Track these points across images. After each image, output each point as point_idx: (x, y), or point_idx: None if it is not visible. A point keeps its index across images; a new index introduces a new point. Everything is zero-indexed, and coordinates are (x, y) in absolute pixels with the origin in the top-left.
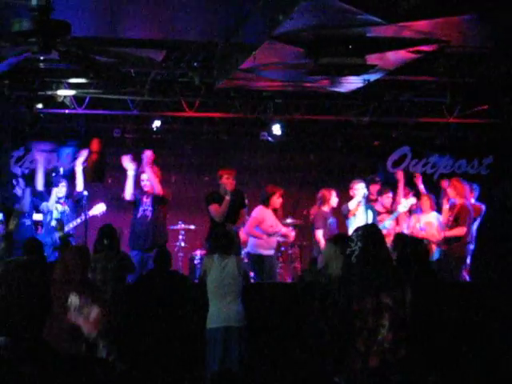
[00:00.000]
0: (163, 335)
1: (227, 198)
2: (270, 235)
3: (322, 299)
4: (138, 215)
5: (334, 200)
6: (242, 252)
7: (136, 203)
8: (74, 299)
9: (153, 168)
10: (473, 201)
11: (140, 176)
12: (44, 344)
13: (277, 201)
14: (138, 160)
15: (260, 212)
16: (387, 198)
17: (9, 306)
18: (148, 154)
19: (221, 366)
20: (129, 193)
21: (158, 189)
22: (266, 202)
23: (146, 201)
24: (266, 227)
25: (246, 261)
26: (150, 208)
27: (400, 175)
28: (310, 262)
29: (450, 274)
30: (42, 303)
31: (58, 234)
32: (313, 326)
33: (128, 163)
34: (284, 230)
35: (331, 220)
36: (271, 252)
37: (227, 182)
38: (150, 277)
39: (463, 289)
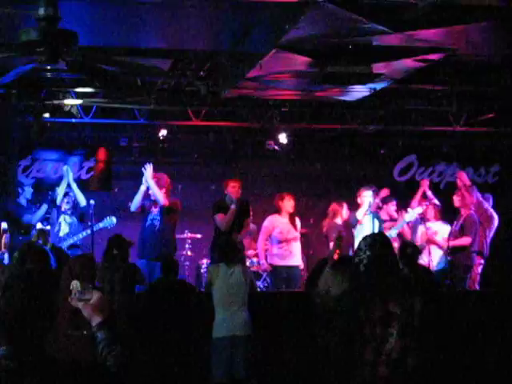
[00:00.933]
0: (170, 344)
1: (233, 207)
2: (281, 242)
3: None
4: (147, 224)
5: (345, 212)
6: (249, 261)
7: (145, 212)
8: (75, 284)
9: (160, 179)
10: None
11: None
12: (45, 355)
13: (288, 204)
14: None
15: (270, 220)
16: (392, 206)
17: (12, 314)
18: (148, 168)
19: (226, 375)
20: (135, 205)
21: (162, 200)
22: (278, 209)
23: (155, 210)
24: (276, 234)
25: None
26: (158, 217)
27: (424, 183)
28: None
29: (456, 284)
30: (45, 313)
31: (48, 247)
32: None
33: (150, 175)
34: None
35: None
36: (289, 262)
37: (233, 191)
38: (157, 286)
39: (469, 298)
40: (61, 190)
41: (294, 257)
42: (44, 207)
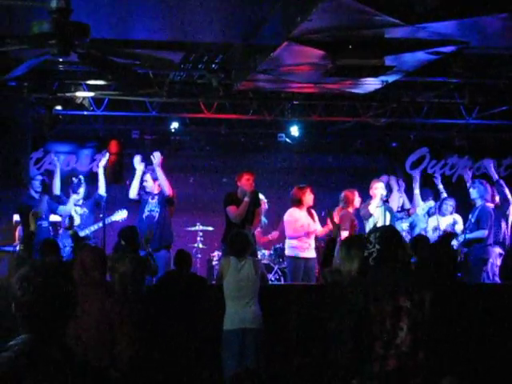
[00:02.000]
0: (181, 336)
1: (246, 199)
2: (302, 235)
3: (341, 301)
4: (144, 215)
5: (357, 200)
6: (261, 254)
7: (141, 203)
8: None
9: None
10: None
11: (143, 176)
12: (64, 346)
13: (309, 198)
14: (148, 160)
15: (292, 213)
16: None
17: (34, 306)
18: (158, 155)
19: (237, 367)
20: (134, 192)
21: (169, 190)
22: (298, 203)
23: (152, 201)
24: (297, 227)
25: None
26: (156, 209)
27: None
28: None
29: (471, 276)
30: (67, 305)
31: (69, 232)
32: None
33: (138, 163)
34: (319, 229)
35: (356, 221)
36: (308, 254)
37: (247, 183)
38: (169, 278)
39: (484, 291)
40: (57, 180)
41: (312, 249)
42: (45, 199)
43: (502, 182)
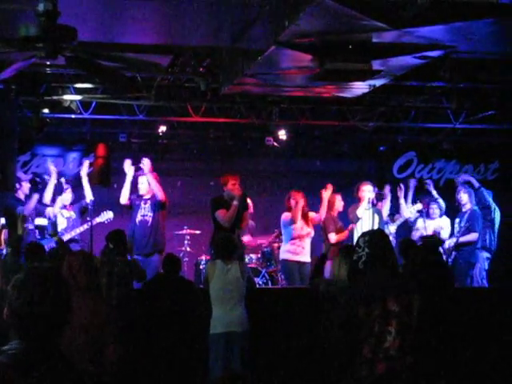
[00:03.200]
0: (168, 340)
1: (235, 203)
2: (294, 238)
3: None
4: (137, 220)
5: (338, 204)
6: (248, 258)
7: (134, 208)
8: None
9: (153, 173)
10: None
11: (137, 180)
12: (59, 354)
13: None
14: (135, 164)
15: (288, 216)
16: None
17: (31, 313)
18: (146, 162)
19: (223, 371)
20: (125, 197)
21: (161, 195)
22: (287, 207)
23: (145, 206)
24: (290, 230)
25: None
26: (150, 213)
27: (412, 183)
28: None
29: (459, 280)
30: (63, 311)
31: (53, 239)
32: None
33: (129, 167)
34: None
35: (340, 224)
36: (301, 258)
37: (234, 187)
38: (157, 281)
39: (473, 295)
40: (49, 190)
41: (307, 253)
42: (35, 197)
43: (483, 189)
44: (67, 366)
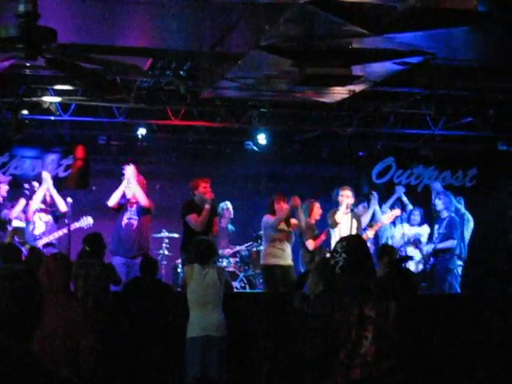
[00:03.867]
0: (145, 343)
1: (207, 206)
2: (274, 240)
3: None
4: (123, 223)
5: (316, 211)
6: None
7: (120, 211)
8: None
9: (138, 177)
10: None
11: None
12: (30, 355)
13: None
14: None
15: (268, 219)
16: (362, 209)
17: (2, 314)
18: (132, 167)
19: (200, 374)
20: (114, 201)
21: (144, 201)
22: (271, 210)
23: (131, 209)
24: (268, 233)
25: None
26: (135, 217)
27: (400, 190)
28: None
29: (437, 286)
30: (34, 313)
31: (25, 247)
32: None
33: (131, 174)
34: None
35: (317, 231)
36: (282, 261)
37: (205, 190)
38: (133, 285)
39: (449, 301)
40: (39, 195)
41: (287, 256)
42: (22, 202)
43: (452, 196)
44: (37, 369)
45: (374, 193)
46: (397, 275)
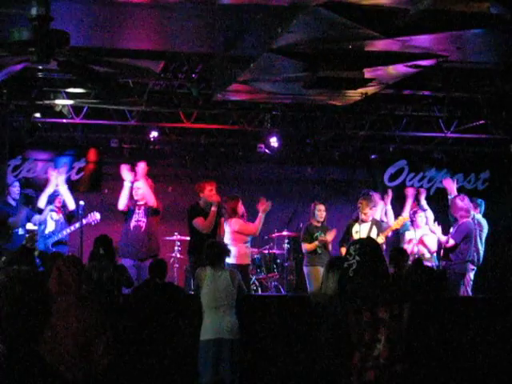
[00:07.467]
0: (158, 346)
1: (213, 209)
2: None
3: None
4: (132, 225)
5: (317, 213)
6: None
7: (129, 213)
8: None
9: (147, 180)
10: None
11: (133, 186)
12: (36, 356)
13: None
14: (134, 170)
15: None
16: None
17: (7, 316)
18: (142, 166)
19: (213, 378)
20: (123, 203)
21: (152, 201)
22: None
23: (139, 211)
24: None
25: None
26: (143, 219)
27: (410, 192)
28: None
29: (450, 290)
30: (40, 315)
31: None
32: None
33: (126, 173)
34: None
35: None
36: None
37: (211, 193)
38: (145, 287)
39: (462, 304)
40: (46, 194)
41: (247, 255)
42: (23, 212)
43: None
44: (42, 370)
45: (389, 191)
46: (421, 275)
